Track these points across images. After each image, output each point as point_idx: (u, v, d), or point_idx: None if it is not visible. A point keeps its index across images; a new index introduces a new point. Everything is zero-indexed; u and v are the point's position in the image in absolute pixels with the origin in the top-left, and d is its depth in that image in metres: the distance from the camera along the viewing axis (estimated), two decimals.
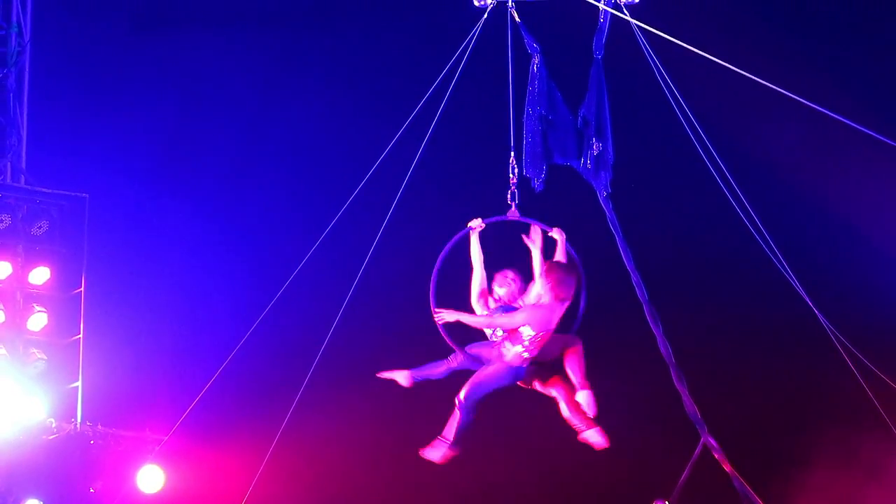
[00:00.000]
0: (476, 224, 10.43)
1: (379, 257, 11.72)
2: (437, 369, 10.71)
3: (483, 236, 10.51)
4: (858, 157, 13.65)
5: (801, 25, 14.84)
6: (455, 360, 10.62)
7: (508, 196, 10.64)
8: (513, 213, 10.58)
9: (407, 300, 12.06)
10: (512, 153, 10.83)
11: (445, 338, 10.31)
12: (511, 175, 10.72)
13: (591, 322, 10.80)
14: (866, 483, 12.92)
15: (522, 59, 11.26)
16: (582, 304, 10.43)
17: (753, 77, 11.35)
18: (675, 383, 11.39)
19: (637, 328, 11.63)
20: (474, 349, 10.52)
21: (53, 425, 13.71)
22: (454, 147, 13.02)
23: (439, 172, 13.18)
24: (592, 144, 11.25)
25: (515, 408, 14.14)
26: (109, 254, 14.61)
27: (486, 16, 11.33)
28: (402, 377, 10.75)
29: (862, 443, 13.15)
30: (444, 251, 10.44)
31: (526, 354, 10.32)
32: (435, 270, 10.39)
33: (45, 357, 13.79)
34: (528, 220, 10.50)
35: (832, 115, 11.33)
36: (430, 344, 10.67)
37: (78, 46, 14.88)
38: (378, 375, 10.59)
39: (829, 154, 14.25)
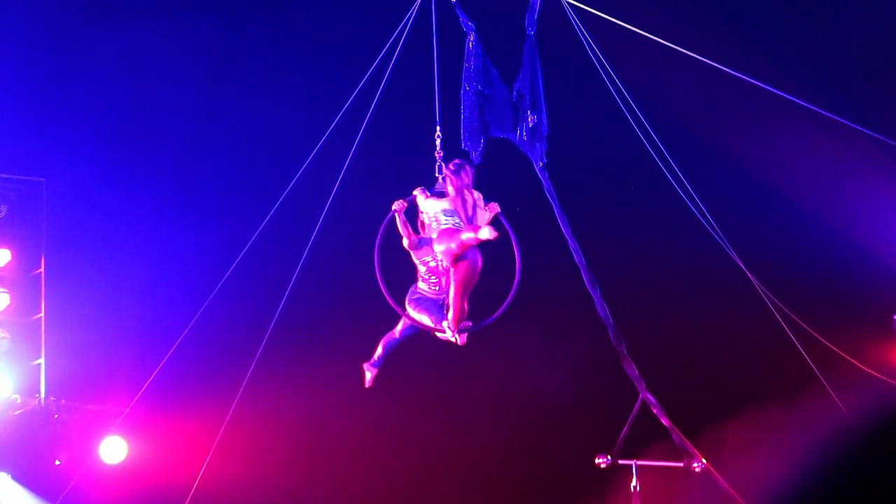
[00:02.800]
0: (398, 206, 10.75)
1: (327, 232, 12.00)
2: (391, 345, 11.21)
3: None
4: (789, 125, 13.82)
5: None
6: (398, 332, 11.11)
7: (436, 168, 10.93)
8: (440, 186, 10.86)
9: (353, 273, 12.25)
10: (438, 127, 11.06)
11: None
12: (437, 149, 10.98)
13: (533, 288, 11.07)
14: (797, 433, 13.18)
15: (457, 38, 11.52)
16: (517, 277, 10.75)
17: (679, 48, 11.71)
18: (614, 343, 11.62)
19: (576, 293, 11.90)
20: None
21: (18, 401, 14.01)
22: (396, 125, 13.21)
23: (383, 150, 13.41)
24: (528, 117, 11.44)
25: (455, 366, 14.51)
26: (67, 235, 14.80)
27: None
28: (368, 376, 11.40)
29: (793, 395, 13.43)
30: (378, 237, 10.76)
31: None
32: (376, 259, 10.73)
33: (9, 336, 14.08)
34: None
35: (761, 84, 11.68)
36: (378, 314, 11.07)
37: (30, 32, 14.88)
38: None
39: (761, 123, 14.46)
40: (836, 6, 14.56)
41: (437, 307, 10.94)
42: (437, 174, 10.93)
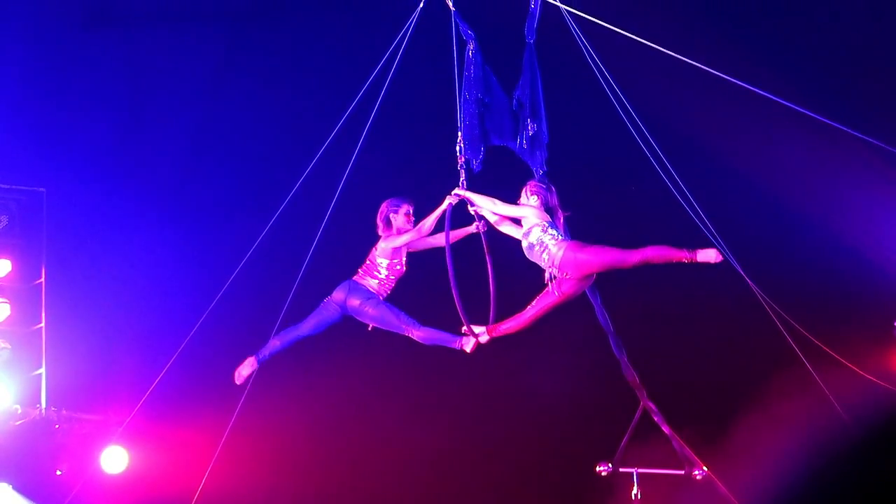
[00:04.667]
0: (454, 200, 11.00)
1: (328, 242, 12.04)
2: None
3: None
4: (790, 132, 13.85)
5: (728, 5, 15.13)
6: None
7: (460, 174, 11.15)
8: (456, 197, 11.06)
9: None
10: (459, 133, 11.21)
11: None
12: (459, 155, 11.18)
13: (533, 296, 11.09)
14: (799, 440, 13.20)
15: (460, 46, 11.55)
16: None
17: (679, 56, 11.72)
18: (615, 351, 11.75)
19: (577, 300, 11.87)
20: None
21: (19, 411, 13.96)
22: (398, 133, 13.24)
23: (385, 157, 13.43)
24: (528, 125, 11.50)
25: (457, 373, 14.52)
26: (67, 245, 14.80)
27: (422, 4, 11.55)
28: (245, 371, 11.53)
29: (795, 402, 13.44)
30: (446, 230, 10.90)
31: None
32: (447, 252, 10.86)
33: (10, 346, 14.02)
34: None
35: (762, 92, 11.69)
36: None
37: (30, 42, 14.89)
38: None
39: (761, 130, 14.48)
40: (836, 12, 14.60)
41: (393, 308, 11.01)
42: (460, 181, 11.09)
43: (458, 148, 11.22)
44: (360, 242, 11.53)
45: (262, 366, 12.05)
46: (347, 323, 11.36)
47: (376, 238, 11.41)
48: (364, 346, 11.60)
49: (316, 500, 15.64)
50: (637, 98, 11.90)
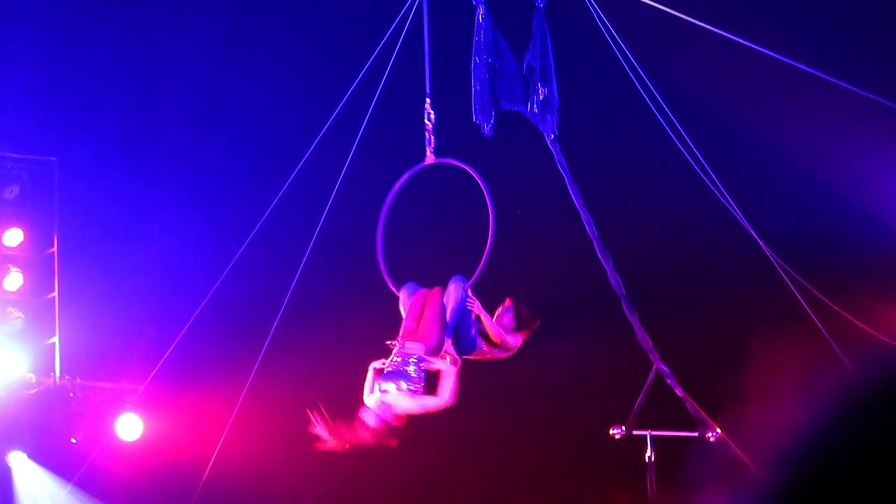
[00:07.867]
0: (379, 365, 10.93)
1: (341, 208, 12.06)
2: None
3: (410, 185, 10.94)
4: (802, 95, 13.78)
5: None
6: None
7: (425, 141, 10.92)
8: (429, 159, 10.88)
9: (364, 246, 12.25)
10: (427, 99, 11.05)
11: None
12: (426, 121, 10.98)
13: (546, 260, 11.14)
14: (812, 401, 13.22)
15: (468, 12, 11.52)
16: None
17: (690, 18, 11.66)
18: (627, 314, 11.69)
19: (589, 263, 11.94)
20: None
21: (33, 380, 14.06)
22: (406, 101, 13.21)
23: (392, 125, 13.42)
24: (538, 90, 11.42)
25: None
26: (79, 214, 14.82)
27: None
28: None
29: (808, 364, 13.44)
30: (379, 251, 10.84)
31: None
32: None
33: (23, 315, 14.11)
34: (445, 161, 10.85)
35: (775, 55, 11.62)
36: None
37: (40, 11, 14.81)
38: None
39: (773, 93, 14.42)
40: None
41: None
42: (426, 146, 10.92)
43: (425, 114, 11.06)
44: (368, 212, 11.52)
45: (276, 333, 12.13)
46: (359, 288, 11.31)
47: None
48: (378, 310, 11.56)
49: (330, 467, 15.68)
50: (648, 60, 11.84)
